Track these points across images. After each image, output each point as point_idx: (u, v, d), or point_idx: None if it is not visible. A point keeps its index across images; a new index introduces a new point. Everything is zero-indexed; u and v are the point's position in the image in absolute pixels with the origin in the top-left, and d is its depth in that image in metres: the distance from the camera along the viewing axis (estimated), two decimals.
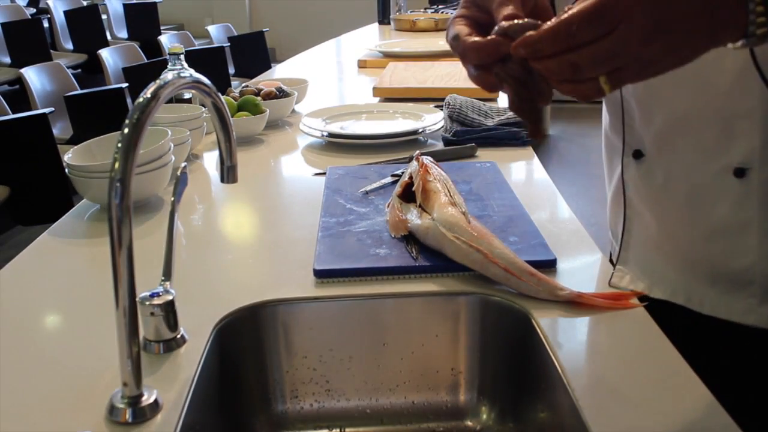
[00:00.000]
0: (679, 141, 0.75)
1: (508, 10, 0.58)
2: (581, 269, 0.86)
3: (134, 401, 0.61)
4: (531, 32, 0.50)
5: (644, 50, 0.47)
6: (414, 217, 0.89)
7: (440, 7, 3.86)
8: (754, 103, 0.68)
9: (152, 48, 4.69)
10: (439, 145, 1.35)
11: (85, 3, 5.79)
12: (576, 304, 0.76)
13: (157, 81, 0.59)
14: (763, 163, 0.69)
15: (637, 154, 0.79)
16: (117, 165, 0.57)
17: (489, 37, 0.56)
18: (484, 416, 0.82)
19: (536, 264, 0.80)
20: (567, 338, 0.71)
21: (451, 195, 0.89)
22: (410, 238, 0.88)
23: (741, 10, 0.47)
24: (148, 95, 0.58)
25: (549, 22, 0.49)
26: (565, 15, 0.48)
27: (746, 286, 0.74)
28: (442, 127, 1.40)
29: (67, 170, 1.06)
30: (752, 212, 0.72)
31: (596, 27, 0.47)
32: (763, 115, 0.68)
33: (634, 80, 0.50)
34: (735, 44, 0.49)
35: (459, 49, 0.59)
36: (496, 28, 0.56)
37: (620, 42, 0.47)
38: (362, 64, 2.30)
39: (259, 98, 1.50)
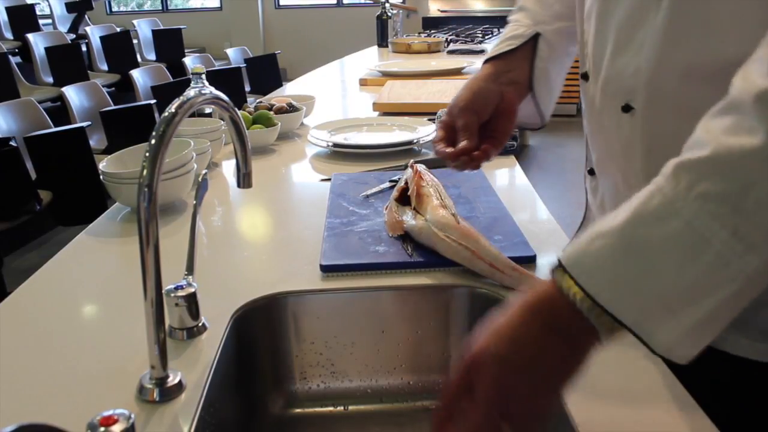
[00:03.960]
0: (606, 174, 0.79)
1: (459, 122, 0.81)
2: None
3: (161, 382, 0.61)
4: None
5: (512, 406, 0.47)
6: (409, 219, 0.89)
7: (432, 32, 3.86)
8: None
9: (177, 69, 4.68)
10: (432, 154, 1.35)
11: (118, 30, 5.78)
12: None
13: (181, 97, 0.59)
14: None
15: (591, 171, 0.83)
16: (145, 172, 0.56)
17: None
18: None
19: (518, 260, 0.80)
20: None
21: (442, 198, 0.89)
22: (406, 237, 0.88)
23: (587, 335, 0.47)
24: (173, 110, 0.58)
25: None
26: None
27: None
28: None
29: (102, 177, 1.05)
30: None
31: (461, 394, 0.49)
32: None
33: (526, 416, 0.48)
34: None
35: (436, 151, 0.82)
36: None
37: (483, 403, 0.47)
38: (363, 82, 2.29)
39: (271, 113, 1.50)
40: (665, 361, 0.62)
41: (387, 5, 3.46)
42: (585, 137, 0.83)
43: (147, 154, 0.56)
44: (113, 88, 4.85)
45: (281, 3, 7.84)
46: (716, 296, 0.43)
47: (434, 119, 1.51)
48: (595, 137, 0.79)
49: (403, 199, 0.95)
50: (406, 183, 0.97)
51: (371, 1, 6.45)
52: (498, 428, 0.47)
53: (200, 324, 0.72)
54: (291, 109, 1.57)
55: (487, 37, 3.45)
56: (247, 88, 4.42)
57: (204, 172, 0.78)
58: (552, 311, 0.47)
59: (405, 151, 1.37)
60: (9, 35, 5.80)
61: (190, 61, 4.79)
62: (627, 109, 0.68)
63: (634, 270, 0.45)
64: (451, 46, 3.13)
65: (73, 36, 5.99)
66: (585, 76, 0.78)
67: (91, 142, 3.00)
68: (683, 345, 0.45)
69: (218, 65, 4.73)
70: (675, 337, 0.44)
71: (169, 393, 0.61)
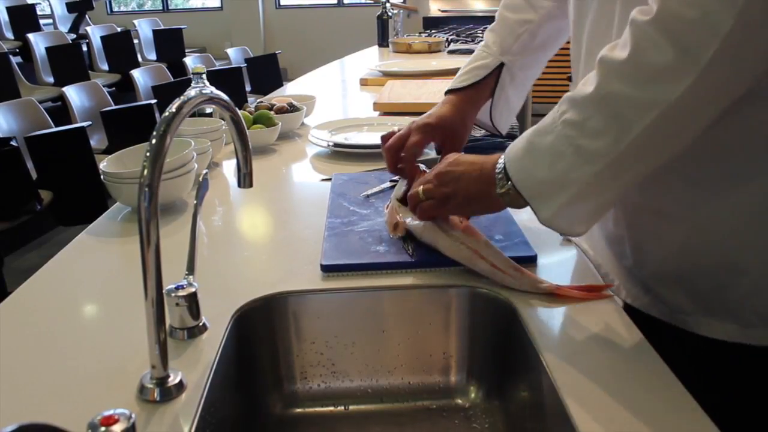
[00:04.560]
0: None
1: (412, 139, 0.95)
2: (559, 264, 0.85)
3: (162, 382, 0.61)
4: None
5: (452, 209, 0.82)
6: (411, 218, 0.88)
7: (433, 31, 3.86)
8: None
9: (178, 68, 4.68)
10: (432, 154, 1.35)
11: (119, 29, 5.78)
12: (555, 295, 0.76)
13: (182, 97, 0.59)
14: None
15: None
16: (146, 172, 0.56)
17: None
18: (473, 395, 0.81)
19: (519, 260, 0.80)
20: (546, 325, 0.71)
21: None
22: (407, 237, 0.88)
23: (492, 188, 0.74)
24: (173, 110, 0.58)
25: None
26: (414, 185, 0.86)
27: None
28: None
29: (102, 177, 1.05)
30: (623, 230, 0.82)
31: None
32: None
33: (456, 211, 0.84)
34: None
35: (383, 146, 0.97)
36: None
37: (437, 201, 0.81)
38: (364, 82, 2.29)
39: (272, 112, 1.50)
40: (665, 360, 0.64)
41: (387, 5, 3.46)
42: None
43: (147, 154, 0.56)
44: (114, 88, 4.85)
45: (282, 3, 7.84)
46: (569, 190, 0.66)
47: None
48: None
49: (406, 200, 0.95)
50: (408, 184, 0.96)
51: (372, 1, 6.45)
52: (438, 204, 0.81)
53: (201, 324, 0.72)
54: (291, 108, 1.57)
55: None
56: (248, 88, 4.42)
57: (204, 171, 0.78)
58: (488, 185, 0.74)
59: None
60: (10, 35, 5.80)
61: (190, 61, 4.79)
62: None
63: (528, 163, 0.70)
64: (452, 46, 3.13)
65: (73, 36, 5.99)
66: (570, 79, 0.89)
67: (92, 142, 3.00)
68: (558, 220, 0.69)
69: (219, 65, 4.73)
70: (550, 214, 0.68)
71: (169, 393, 0.61)
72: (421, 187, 0.83)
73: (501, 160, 0.73)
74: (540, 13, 0.99)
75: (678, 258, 0.75)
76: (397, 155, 0.95)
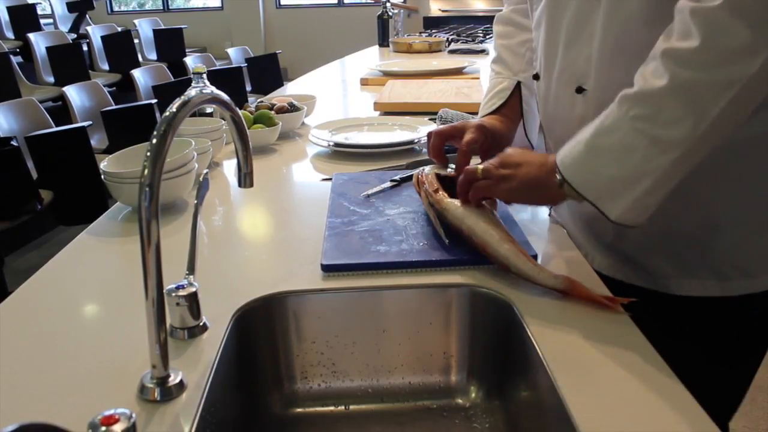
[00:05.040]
0: None
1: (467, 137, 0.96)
2: (558, 262, 0.85)
3: (162, 381, 0.61)
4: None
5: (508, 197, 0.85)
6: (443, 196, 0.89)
7: (433, 31, 3.86)
8: None
9: (178, 68, 4.68)
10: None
11: (119, 29, 5.78)
12: (560, 294, 0.76)
13: (182, 97, 0.59)
14: None
15: None
16: (146, 172, 0.56)
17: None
18: (473, 394, 0.82)
19: None
20: (546, 325, 0.71)
21: None
22: (436, 217, 0.89)
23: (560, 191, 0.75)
24: (174, 110, 0.58)
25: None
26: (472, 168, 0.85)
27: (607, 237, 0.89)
28: None
29: (102, 177, 1.06)
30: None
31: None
32: None
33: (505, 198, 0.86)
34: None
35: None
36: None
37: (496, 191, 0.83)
38: (364, 82, 2.29)
39: (272, 112, 1.50)
40: (665, 359, 0.64)
41: (388, 5, 3.46)
42: (541, 130, 1.00)
43: (148, 154, 0.56)
44: (114, 88, 4.85)
45: (282, 2, 7.84)
46: (644, 183, 0.68)
47: (435, 119, 1.51)
48: (553, 124, 0.93)
49: (444, 186, 0.94)
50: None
51: (372, 1, 6.45)
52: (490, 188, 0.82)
53: (201, 323, 0.72)
54: (292, 108, 1.57)
55: (488, 36, 3.44)
56: (248, 88, 4.42)
57: (205, 171, 0.78)
58: (548, 175, 0.76)
59: (406, 150, 1.37)
60: (10, 35, 5.80)
61: (191, 61, 4.79)
62: (580, 90, 0.83)
63: (594, 165, 0.71)
64: (452, 46, 3.13)
65: (74, 36, 5.99)
66: (536, 77, 0.94)
67: (92, 142, 3.00)
68: (629, 214, 0.70)
69: (219, 65, 4.73)
70: (622, 210, 0.70)
71: (170, 392, 0.61)
72: (481, 166, 0.83)
73: (557, 170, 0.74)
74: (531, 29, 1.03)
75: (660, 226, 0.79)
76: (443, 142, 0.99)
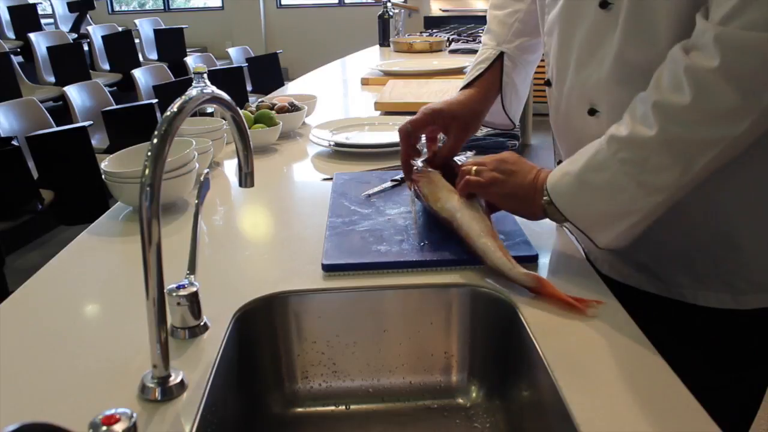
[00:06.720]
0: None
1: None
2: (559, 263, 0.85)
3: (163, 381, 0.61)
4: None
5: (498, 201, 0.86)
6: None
7: (434, 31, 3.86)
8: None
9: (179, 68, 4.68)
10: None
11: (120, 29, 5.78)
12: (537, 292, 0.76)
13: (183, 97, 0.59)
14: None
15: (560, 162, 0.87)
16: (147, 171, 0.56)
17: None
18: (474, 394, 0.82)
19: (520, 259, 0.80)
20: (547, 325, 0.71)
21: None
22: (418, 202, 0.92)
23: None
24: (175, 109, 0.58)
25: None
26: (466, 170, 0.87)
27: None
28: None
29: (103, 176, 1.06)
30: None
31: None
32: None
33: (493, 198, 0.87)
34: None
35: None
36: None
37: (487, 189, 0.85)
38: (365, 82, 2.29)
39: (273, 112, 1.50)
40: (674, 367, 0.64)
41: (389, 4, 3.46)
42: (551, 134, 0.99)
43: (149, 154, 0.56)
44: (115, 88, 4.85)
45: (283, 2, 7.84)
46: (631, 219, 0.73)
47: None
48: (564, 135, 0.93)
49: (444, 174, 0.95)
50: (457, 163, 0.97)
51: (373, 1, 6.45)
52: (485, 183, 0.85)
53: (202, 323, 0.72)
54: (293, 108, 1.57)
55: None
56: (249, 88, 4.42)
57: (206, 171, 0.78)
58: (536, 194, 0.80)
59: None
60: (11, 35, 5.81)
61: (191, 61, 4.79)
62: (592, 112, 0.83)
63: (585, 199, 0.75)
64: (453, 46, 3.13)
65: (75, 35, 6.00)
66: (548, 83, 0.93)
67: (93, 142, 3.00)
68: (615, 242, 0.76)
69: (220, 64, 4.73)
70: (610, 239, 0.76)
71: (170, 392, 0.61)
72: (476, 167, 0.86)
73: (545, 193, 0.78)
74: (526, 1, 1.02)
75: (678, 239, 0.81)
76: (407, 137, 0.99)
